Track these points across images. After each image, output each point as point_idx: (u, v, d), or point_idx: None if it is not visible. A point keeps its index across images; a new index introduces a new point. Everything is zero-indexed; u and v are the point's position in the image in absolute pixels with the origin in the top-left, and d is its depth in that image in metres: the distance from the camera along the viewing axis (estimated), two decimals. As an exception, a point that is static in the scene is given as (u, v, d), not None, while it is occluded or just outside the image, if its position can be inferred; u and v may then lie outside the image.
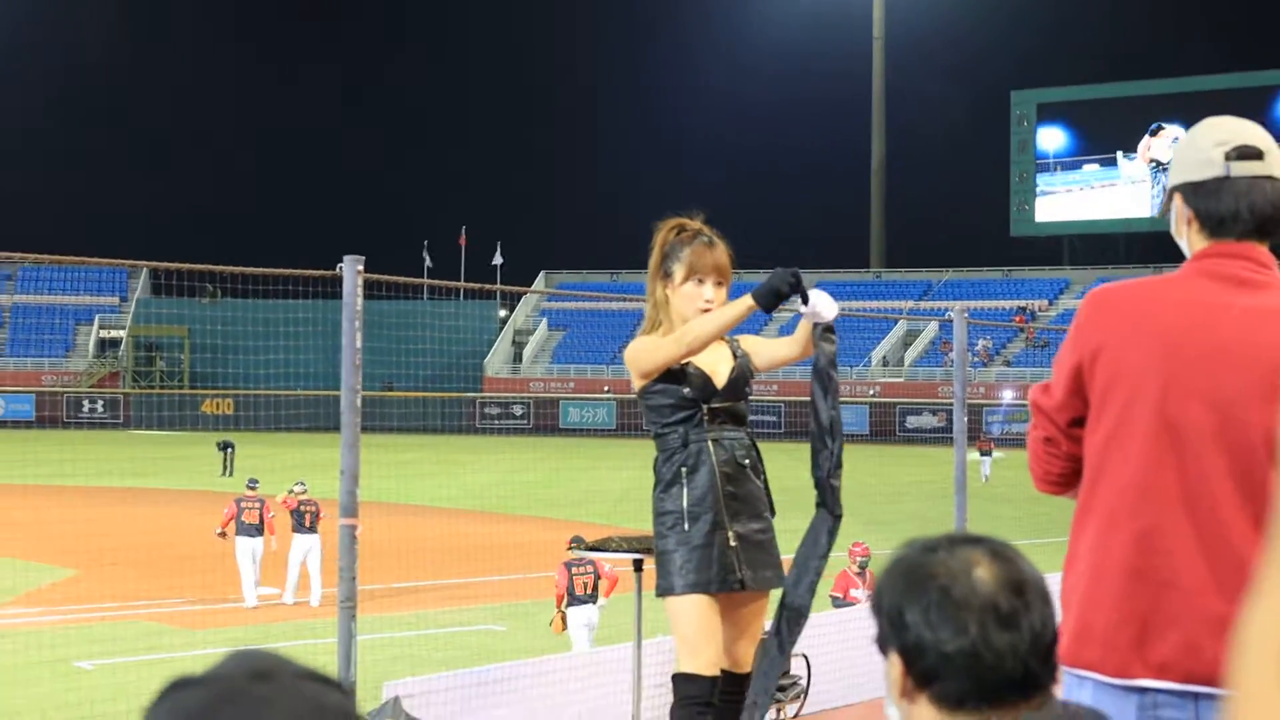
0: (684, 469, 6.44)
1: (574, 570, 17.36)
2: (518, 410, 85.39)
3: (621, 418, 79.27)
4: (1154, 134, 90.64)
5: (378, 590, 22.49)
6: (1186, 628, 3.67)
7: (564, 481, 42.73)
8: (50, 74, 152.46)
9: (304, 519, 22.84)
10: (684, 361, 6.46)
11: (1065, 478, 4.03)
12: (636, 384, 6.60)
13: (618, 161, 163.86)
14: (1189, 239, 3.93)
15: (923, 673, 2.36)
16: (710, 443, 6.45)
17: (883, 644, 2.42)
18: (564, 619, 17.35)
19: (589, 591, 17.60)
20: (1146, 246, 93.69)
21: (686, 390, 6.45)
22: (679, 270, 6.53)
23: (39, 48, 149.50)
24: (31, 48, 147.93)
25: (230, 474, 47.36)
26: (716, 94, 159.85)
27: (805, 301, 6.24)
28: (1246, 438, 3.67)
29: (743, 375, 6.61)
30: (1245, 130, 3.89)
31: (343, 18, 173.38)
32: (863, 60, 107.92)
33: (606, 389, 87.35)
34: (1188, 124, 79.63)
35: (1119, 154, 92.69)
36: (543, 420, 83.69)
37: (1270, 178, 3.84)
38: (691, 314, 6.47)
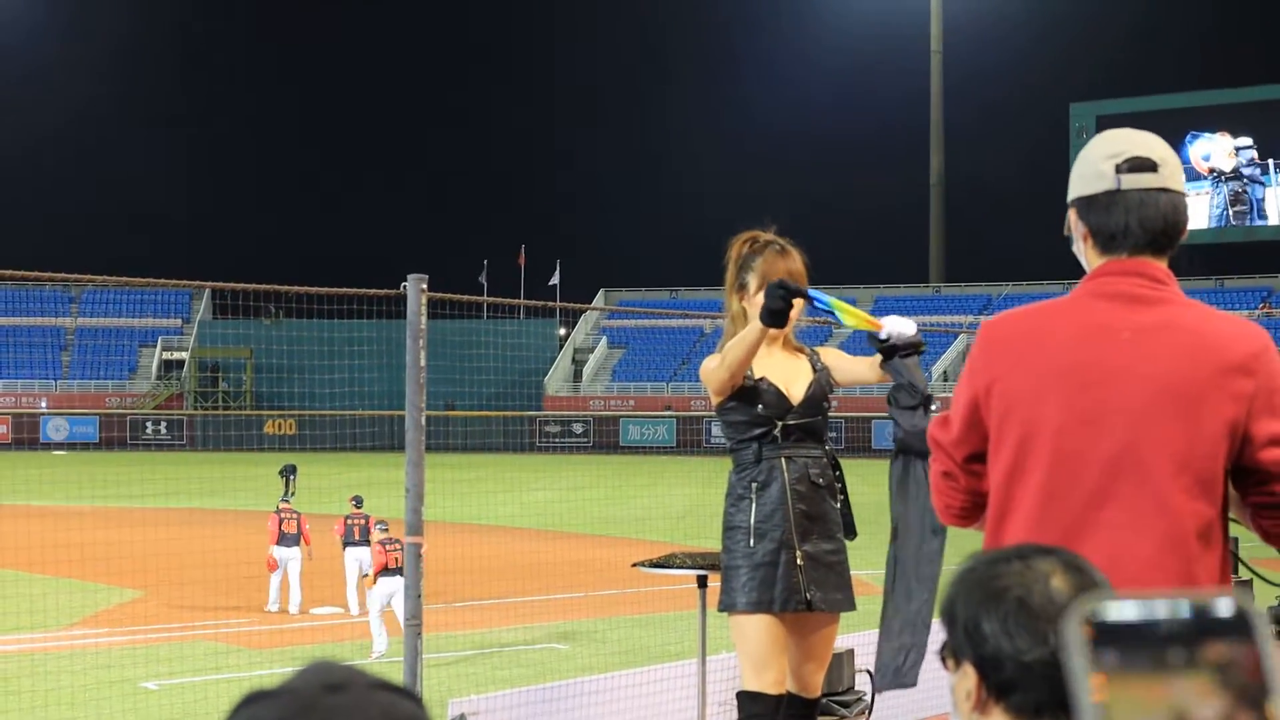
0: (755, 484, 6.41)
1: (387, 547, 19.31)
2: (578, 428, 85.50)
3: (682, 435, 79.30)
4: (1210, 144, 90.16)
5: (440, 609, 22.54)
6: None
7: (625, 499, 42.74)
8: (107, 96, 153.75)
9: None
10: (759, 377, 6.44)
11: (967, 511, 3.94)
12: (713, 400, 6.58)
13: (677, 179, 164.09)
14: (1086, 256, 3.81)
15: (1000, 684, 2.35)
16: (783, 459, 6.41)
17: (956, 656, 2.41)
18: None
19: (398, 565, 18.87)
20: (1210, 258, 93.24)
21: (760, 407, 6.41)
22: (753, 280, 6.52)
23: (99, 68, 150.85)
24: (91, 67, 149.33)
25: (292, 494, 47.57)
26: (775, 109, 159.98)
27: (809, 302, 6.24)
28: (1145, 461, 3.57)
29: (820, 390, 6.55)
30: (1140, 141, 3.78)
31: (409, 38, 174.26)
32: (921, 74, 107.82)
33: (667, 406, 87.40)
34: (1247, 134, 79.14)
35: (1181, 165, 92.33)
36: (603, 438, 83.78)
37: (1165, 190, 3.73)
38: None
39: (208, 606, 23.78)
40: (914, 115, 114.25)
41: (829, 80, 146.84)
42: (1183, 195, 3.78)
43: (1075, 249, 3.85)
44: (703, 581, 7.77)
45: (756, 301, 6.47)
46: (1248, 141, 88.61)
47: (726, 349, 6.34)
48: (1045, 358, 3.69)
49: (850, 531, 6.64)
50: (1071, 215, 3.83)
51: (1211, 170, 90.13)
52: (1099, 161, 3.76)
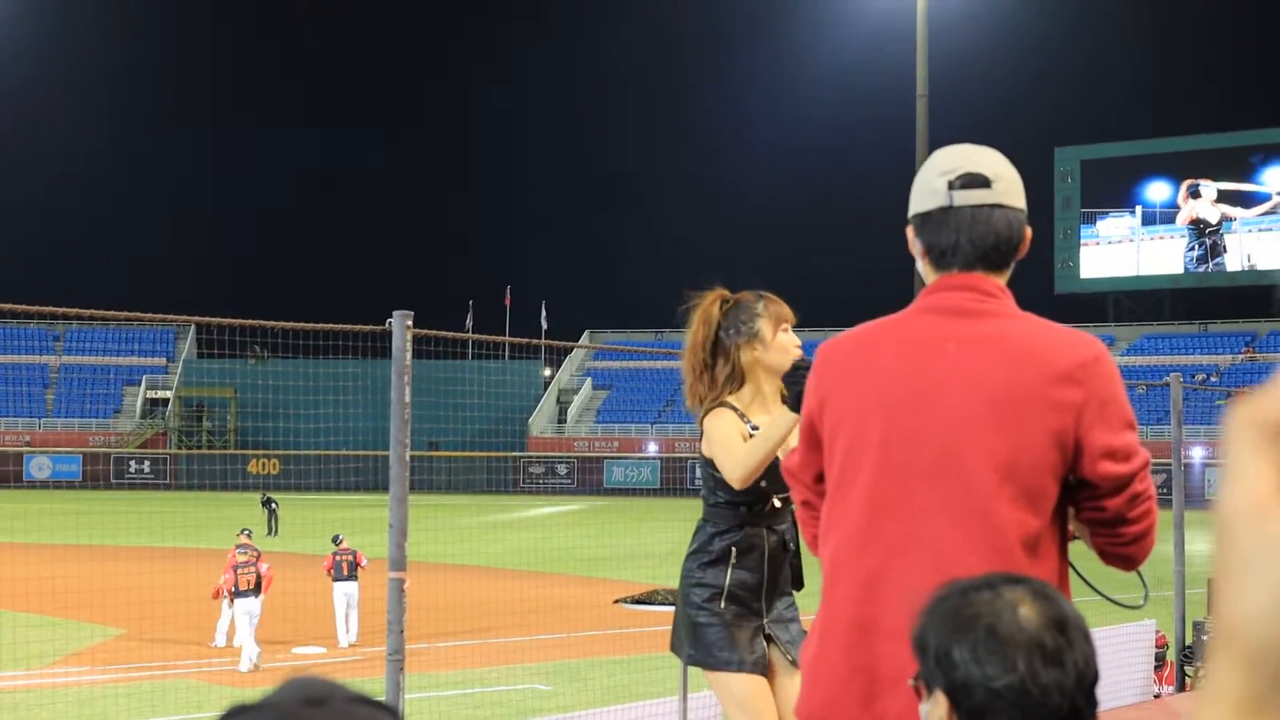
0: (735, 549, 6.41)
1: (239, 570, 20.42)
2: (562, 469, 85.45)
3: (666, 477, 79.22)
4: (1195, 195, 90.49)
5: (422, 649, 22.50)
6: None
7: (608, 541, 42.68)
8: (95, 136, 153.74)
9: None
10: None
11: None
12: (707, 452, 6.52)
13: (661, 221, 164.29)
14: (924, 272, 3.79)
15: (970, 710, 2.38)
16: (765, 530, 6.43)
17: (927, 683, 2.44)
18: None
19: (251, 586, 21.78)
20: (1192, 303, 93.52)
21: (763, 482, 6.37)
22: (767, 326, 6.47)
23: (89, 105, 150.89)
24: (81, 105, 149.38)
25: (275, 534, 47.47)
26: (760, 152, 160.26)
27: None
28: (968, 472, 3.52)
29: None
30: (974, 157, 3.75)
31: (386, 73, 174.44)
32: (907, 117, 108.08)
33: (651, 448, 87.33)
34: (1232, 180, 79.65)
35: (1163, 210, 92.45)
36: (587, 479, 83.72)
37: (998, 206, 3.69)
38: (787, 362, 6.37)
39: (189, 644, 23.72)
40: (899, 159, 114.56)
41: (815, 124, 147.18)
42: (1019, 211, 3.73)
43: (918, 266, 3.82)
44: (685, 619, 7.77)
45: (776, 344, 6.44)
46: (1226, 186, 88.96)
47: (754, 444, 6.19)
48: (872, 373, 3.69)
49: (799, 582, 6.66)
50: (909, 232, 3.81)
51: (1195, 220, 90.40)
52: (933, 178, 3.74)
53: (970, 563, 3.45)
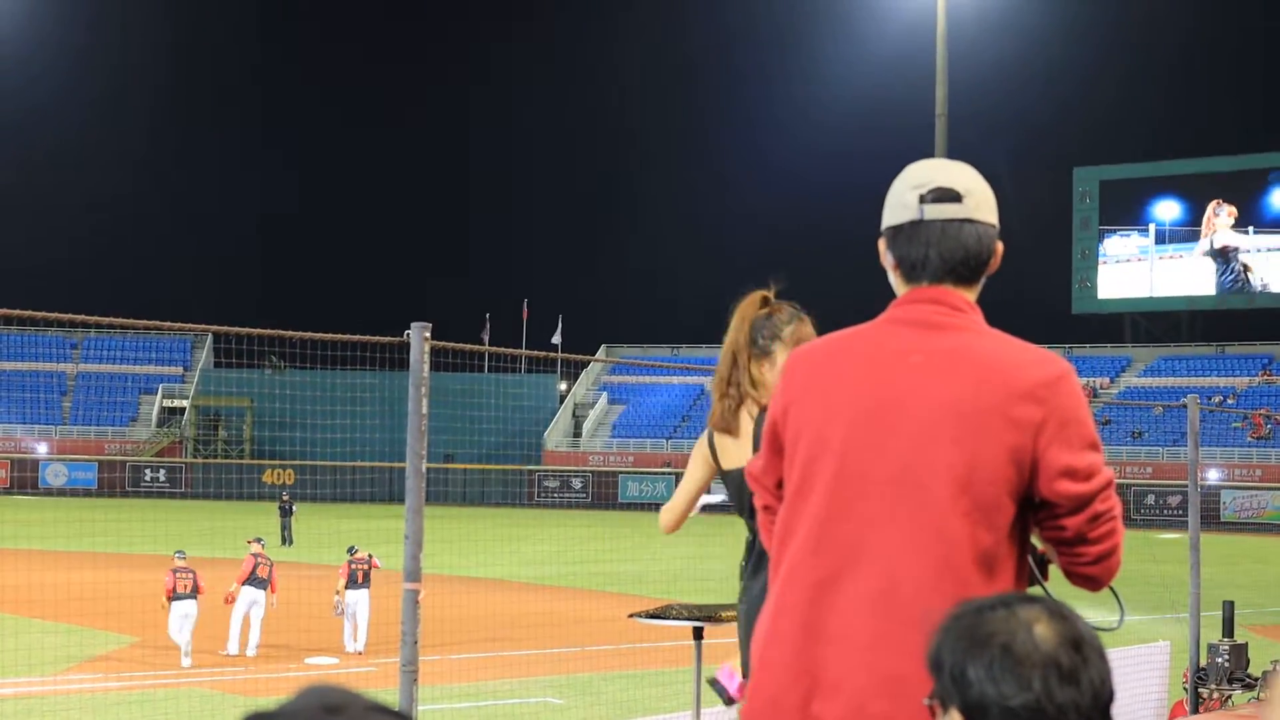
0: None
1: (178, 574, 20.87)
2: (576, 483, 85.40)
3: (680, 491, 79.11)
4: (1217, 218, 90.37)
5: (435, 661, 22.51)
6: (854, 687, 3.46)
7: (622, 555, 42.67)
8: (110, 140, 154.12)
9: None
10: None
11: None
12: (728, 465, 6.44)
13: (679, 238, 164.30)
14: (895, 285, 3.80)
15: (985, 728, 2.38)
16: None
17: (943, 701, 2.44)
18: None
19: (189, 591, 22.93)
20: (1209, 324, 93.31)
21: None
22: (782, 351, 6.29)
23: (103, 112, 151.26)
24: (96, 112, 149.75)
25: (290, 544, 47.51)
26: (779, 171, 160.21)
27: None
28: (924, 484, 3.51)
29: None
30: (946, 172, 3.77)
31: (409, 83, 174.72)
32: (925, 137, 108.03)
33: (666, 463, 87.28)
34: (1249, 202, 79.40)
35: (1181, 231, 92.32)
36: (601, 494, 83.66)
37: (969, 220, 3.71)
38: None
39: (202, 652, 23.74)
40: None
41: (833, 140, 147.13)
42: (990, 226, 3.74)
43: (890, 279, 3.83)
44: (698, 634, 7.76)
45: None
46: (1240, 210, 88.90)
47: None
48: (837, 381, 3.69)
49: None
50: (881, 245, 3.83)
51: (1224, 249, 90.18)
52: (905, 191, 3.76)
53: (920, 575, 3.46)
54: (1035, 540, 3.69)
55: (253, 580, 24.12)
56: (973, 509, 3.50)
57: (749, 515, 6.43)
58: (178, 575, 23.62)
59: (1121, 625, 4.20)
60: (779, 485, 3.85)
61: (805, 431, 3.71)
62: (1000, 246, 3.78)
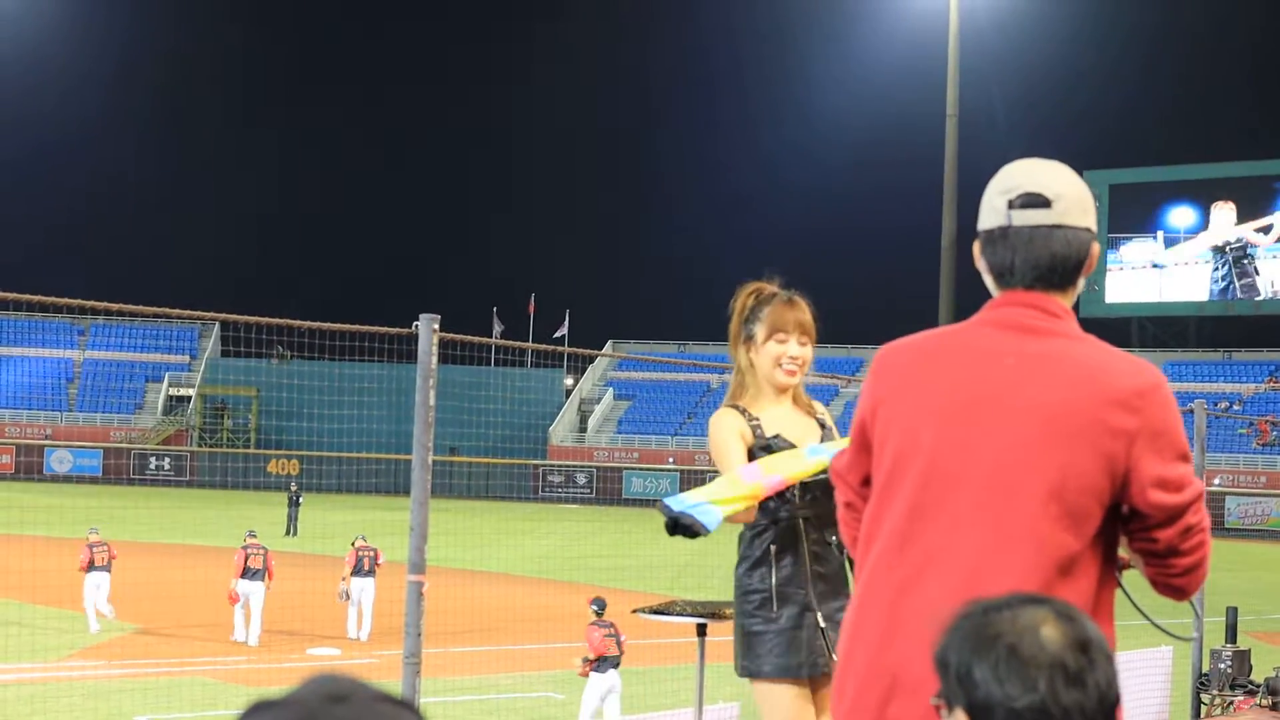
0: (773, 547, 6.33)
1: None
2: (581, 479, 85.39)
3: (685, 488, 79.07)
4: (1217, 215, 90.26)
5: (438, 653, 22.53)
6: (934, 688, 3.44)
7: (626, 551, 42.67)
8: (120, 125, 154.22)
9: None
10: (773, 434, 6.40)
11: None
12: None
13: (686, 233, 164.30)
14: (990, 288, 3.79)
15: (991, 729, 2.38)
16: (801, 520, 6.36)
17: (948, 702, 2.44)
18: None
19: (104, 563, 23.69)
20: (1217, 329, 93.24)
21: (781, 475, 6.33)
22: (760, 330, 6.43)
23: (114, 98, 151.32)
24: (107, 98, 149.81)
25: (295, 534, 47.52)
26: (787, 167, 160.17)
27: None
28: (1014, 488, 3.51)
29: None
30: (1036, 175, 3.74)
31: (414, 76, 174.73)
32: (936, 136, 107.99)
33: (670, 460, 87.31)
34: (1261, 208, 79.18)
35: (1188, 236, 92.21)
36: (606, 490, 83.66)
37: (1058, 226, 3.67)
38: (774, 372, 6.41)
39: (205, 640, 23.77)
40: (927, 178, 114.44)
41: (843, 139, 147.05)
42: (1083, 230, 3.70)
43: (985, 281, 3.83)
44: (702, 630, 7.75)
45: (765, 350, 6.44)
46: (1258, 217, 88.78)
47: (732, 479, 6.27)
48: (929, 381, 3.68)
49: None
50: (975, 248, 3.83)
51: (1223, 245, 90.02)
52: (995, 196, 3.75)
53: (1002, 577, 3.44)
54: (1121, 550, 3.68)
55: (247, 574, 24.32)
56: (1062, 515, 3.50)
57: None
58: (94, 550, 25.43)
59: (1200, 634, 4.22)
60: (864, 483, 3.86)
61: (895, 430, 3.71)
62: (1096, 248, 3.74)
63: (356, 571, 25.04)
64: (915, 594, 3.55)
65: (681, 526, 5.93)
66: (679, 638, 17.60)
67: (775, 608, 6.28)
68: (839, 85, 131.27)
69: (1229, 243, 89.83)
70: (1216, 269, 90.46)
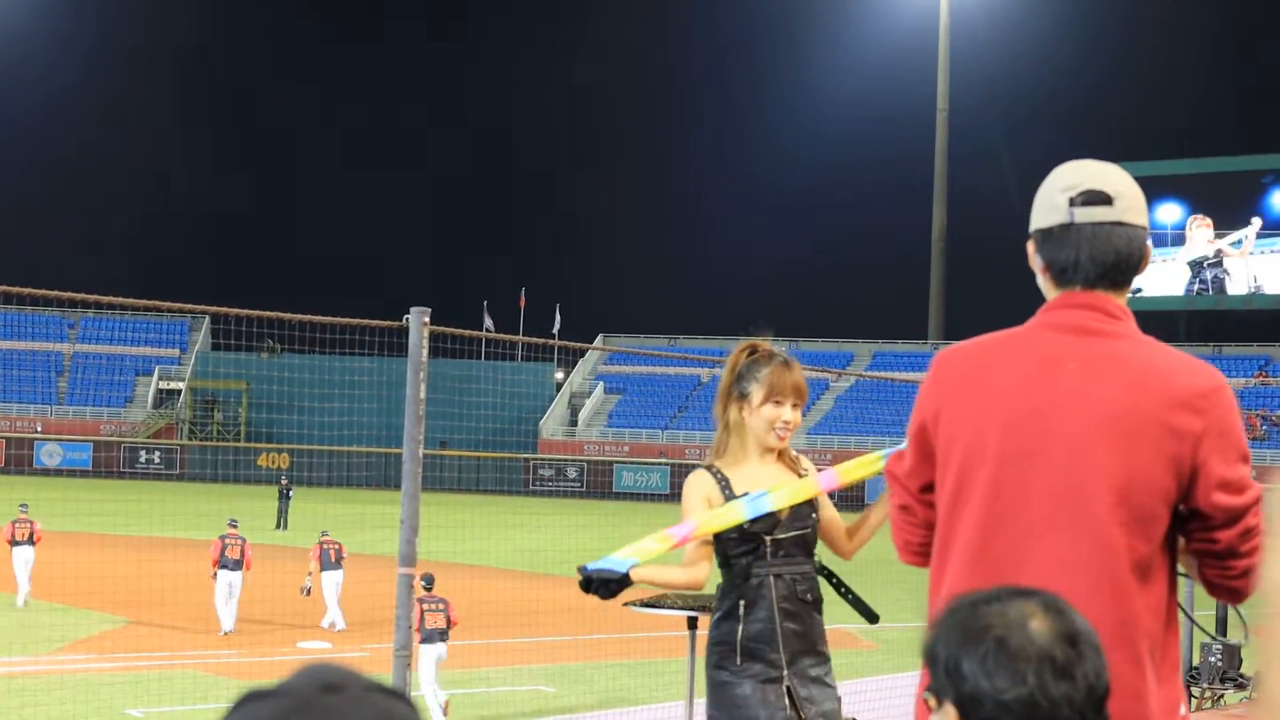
0: (742, 602, 6.34)
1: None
2: (572, 472, 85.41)
3: (675, 483, 79.21)
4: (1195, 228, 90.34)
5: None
6: None
7: (616, 545, 42.53)
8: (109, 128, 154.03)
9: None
10: (741, 492, 6.40)
11: (925, 547, 3.88)
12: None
13: (677, 228, 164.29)
14: (1044, 288, 3.78)
15: (980, 722, 2.38)
16: (772, 577, 6.35)
17: (937, 695, 2.44)
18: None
19: (26, 538, 24.19)
20: (1208, 324, 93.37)
21: (746, 524, 6.34)
22: (757, 392, 6.40)
23: (101, 93, 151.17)
24: (94, 92, 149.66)
25: (284, 527, 47.52)
26: (780, 162, 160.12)
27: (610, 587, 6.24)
28: (1084, 493, 3.51)
29: (805, 505, 6.46)
30: (1096, 174, 3.73)
31: (404, 74, 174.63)
32: (927, 131, 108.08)
33: (661, 454, 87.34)
34: (1251, 202, 79.16)
35: (1174, 233, 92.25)
36: (596, 483, 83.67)
37: (1120, 223, 3.68)
38: (767, 435, 6.41)
39: (195, 634, 23.77)
40: (919, 172, 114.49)
41: (835, 133, 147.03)
42: (1140, 229, 3.71)
43: (1038, 281, 3.81)
44: (693, 623, 7.77)
45: (760, 413, 6.40)
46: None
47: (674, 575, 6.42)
48: (991, 387, 3.67)
49: (872, 616, 6.60)
50: (1030, 247, 3.80)
51: (1200, 260, 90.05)
52: (1054, 194, 3.72)
53: (1079, 585, 3.45)
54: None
55: (224, 563, 24.56)
56: (1130, 519, 3.50)
57: (723, 563, 6.49)
58: (15, 525, 27.49)
59: (1248, 640, 4.23)
60: (922, 489, 3.85)
61: (960, 437, 3.69)
62: (1150, 248, 3.76)
63: (325, 564, 25.44)
64: None
65: (595, 584, 6.07)
66: (670, 630, 17.66)
67: (739, 661, 6.30)
68: (832, 82, 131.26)
69: (1206, 258, 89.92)
70: (1192, 278, 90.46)
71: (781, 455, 6.56)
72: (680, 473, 79.95)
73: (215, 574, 24.43)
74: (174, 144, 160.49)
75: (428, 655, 18.76)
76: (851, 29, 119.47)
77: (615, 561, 6.14)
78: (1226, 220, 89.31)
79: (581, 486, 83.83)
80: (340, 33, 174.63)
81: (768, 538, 6.32)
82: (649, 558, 6.19)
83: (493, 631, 24.92)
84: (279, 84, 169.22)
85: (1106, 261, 3.67)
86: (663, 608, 7.83)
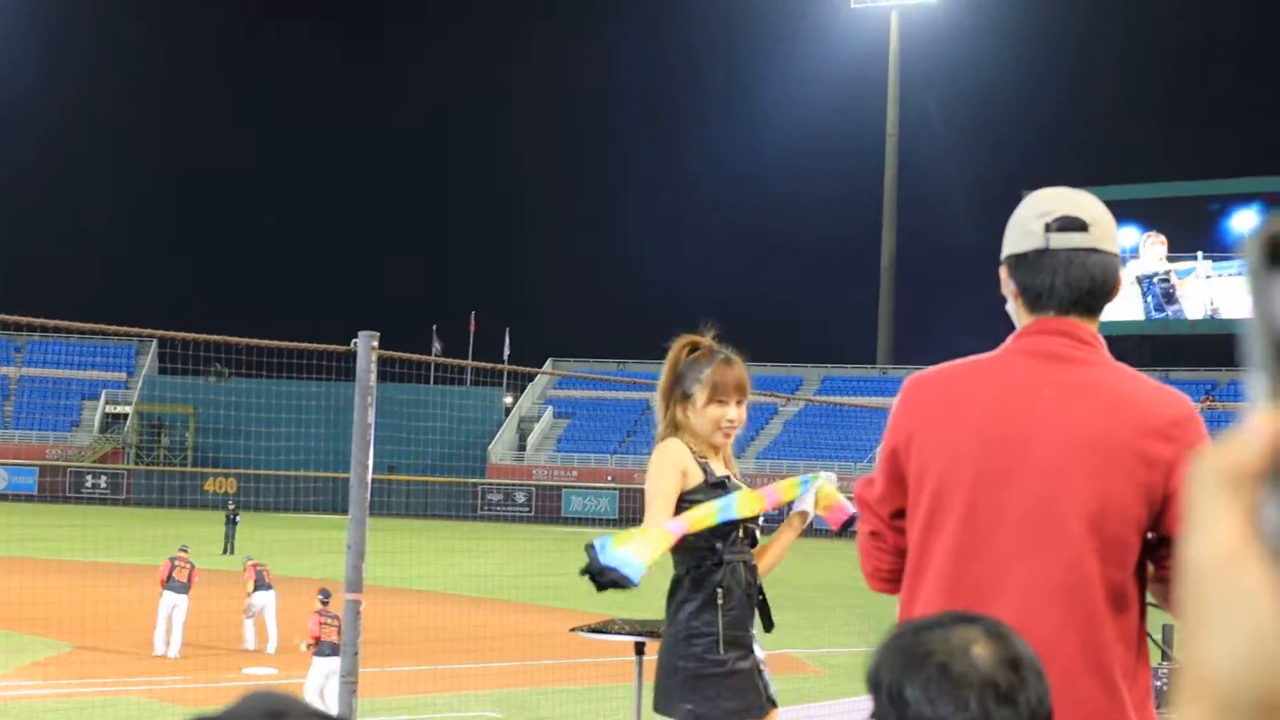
0: (720, 590, 6.32)
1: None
2: (520, 497, 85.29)
3: (624, 507, 79.17)
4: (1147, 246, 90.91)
5: (375, 672, 22.44)
6: None
7: (564, 570, 42.55)
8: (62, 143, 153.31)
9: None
10: (724, 474, 6.40)
11: (895, 574, 3.87)
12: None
13: (626, 253, 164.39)
14: (1016, 314, 3.78)
15: (922, 748, 2.39)
16: (741, 563, 6.36)
17: (881, 721, 2.45)
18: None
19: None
20: (1156, 350, 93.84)
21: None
22: (701, 393, 6.34)
23: (53, 114, 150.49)
24: (45, 113, 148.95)
25: (231, 552, 47.28)
26: (726, 187, 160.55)
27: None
28: (1059, 521, 3.52)
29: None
30: (1071, 201, 3.73)
31: (355, 93, 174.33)
32: (876, 156, 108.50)
33: (609, 478, 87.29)
34: (1200, 228, 79.69)
35: (1126, 258, 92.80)
36: (545, 508, 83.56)
37: (1094, 250, 3.68)
38: (714, 435, 6.39)
39: (141, 660, 23.64)
40: (868, 197, 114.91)
41: (783, 158, 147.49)
42: (1115, 256, 3.73)
43: (1008, 307, 3.82)
44: (640, 649, 7.77)
45: (705, 413, 6.37)
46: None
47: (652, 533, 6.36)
48: (964, 413, 3.67)
49: (768, 623, 6.59)
50: (1003, 273, 3.80)
51: (1151, 275, 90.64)
52: (1029, 219, 3.73)
53: (1053, 611, 3.47)
54: None
55: (171, 584, 24.52)
56: (1103, 546, 3.51)
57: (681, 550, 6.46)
58: None
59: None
60: (893, 515, 3.83)
61: (933, 463, 3.69)
62: (1122, 275, 3.77)
63: (259, 586, 25.38)
64: None
65: (609, 580, 6.03)
66: (617, 656, 17.61)
67: (723, 650, 6.27)
68: (781, 108, 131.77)
69: (1156, 273, 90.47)
70: (1144, 295, 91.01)
71: (720, 452, 6.57)
72: (629, 497, 79.93)
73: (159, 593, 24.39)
74: (119, 170, 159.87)
75: (320, 667, 19.24)
76: (801, 56, 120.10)
77: (632, 567, 6.08)
78: (1178, 244, 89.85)
79: (530, 511, 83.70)
80: (294, 66, 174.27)
81: (743, 523, 6.33)
82: (655, 558, 6.17)
83: (439, 657, 24.83)
84: (231, 98, 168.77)
85: (1082, 288, 3.68)
86: (610, 633, 7.84)
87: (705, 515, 6.23)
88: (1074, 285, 3.68)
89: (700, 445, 6.40)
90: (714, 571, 6.33)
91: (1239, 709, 0.81)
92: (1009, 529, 3.57)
